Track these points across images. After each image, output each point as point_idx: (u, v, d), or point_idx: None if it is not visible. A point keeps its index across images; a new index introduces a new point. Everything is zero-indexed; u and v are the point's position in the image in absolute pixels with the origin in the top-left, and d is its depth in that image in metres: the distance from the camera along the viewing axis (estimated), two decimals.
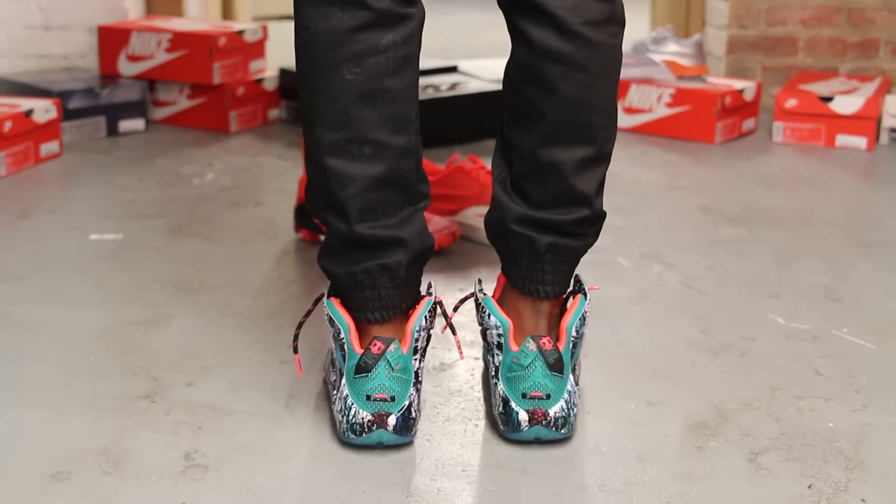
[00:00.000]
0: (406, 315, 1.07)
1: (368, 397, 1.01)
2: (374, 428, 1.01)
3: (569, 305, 1.10)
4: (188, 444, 1.05)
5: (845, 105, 2.25)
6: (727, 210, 1.84)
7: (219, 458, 1.03)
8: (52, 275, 1.52)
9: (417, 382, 1.05)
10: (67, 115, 2.23)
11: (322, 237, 1.62)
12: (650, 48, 2.37)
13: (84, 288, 1.47)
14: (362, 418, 1.01)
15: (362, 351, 1.03)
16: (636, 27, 3.53)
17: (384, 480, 0.99)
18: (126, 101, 2.32)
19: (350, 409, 1.02)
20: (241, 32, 2.40)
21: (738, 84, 2.36)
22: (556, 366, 1.04)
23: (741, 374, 1.22)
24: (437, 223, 1.57)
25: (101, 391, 1.16)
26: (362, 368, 1.02)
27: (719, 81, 2.39)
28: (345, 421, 1.02)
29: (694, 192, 1.96)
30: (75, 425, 1.09)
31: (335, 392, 1.06)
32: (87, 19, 2.52)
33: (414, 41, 1.03)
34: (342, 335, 1.04)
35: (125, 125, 2.33)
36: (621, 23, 1.05)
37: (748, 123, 2.38)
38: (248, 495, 0.97)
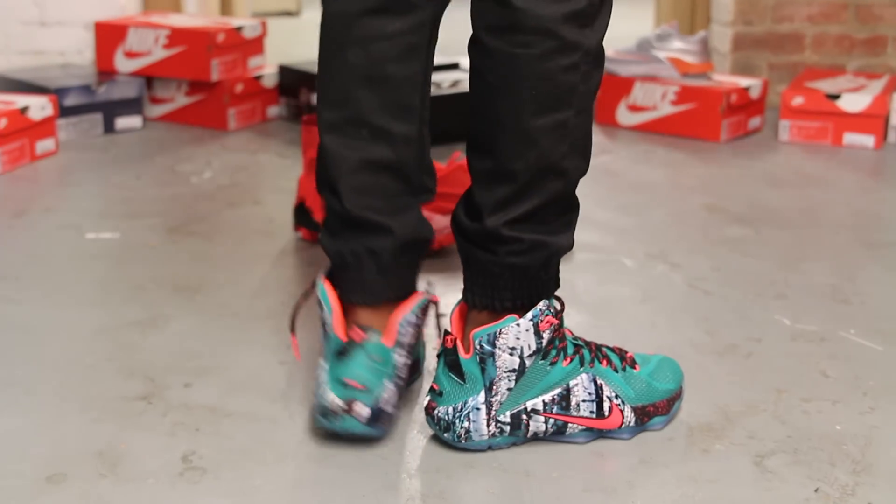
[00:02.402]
0: (395, 306, 1.06)
1: (342, 382, 1.01)
2: (344, 414, 1.01)
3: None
4: (185, 446, 1.04)
5: (853, 103, 2.24)
6: (733, 209, 1.84)
7: (216, 460, 1.02)
8: (48, 274, 1.52)
9: (399, 378, 1.05)
10: (63, 112, 2.22)
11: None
12: (655, 45, 2.36)
13: (80, 288, 1.47)
14: (333, 402, 1.01)
15: (345, 336, 1.03)
16: (641, 24, 3.53)
17: (384, 483, 0.99)
18: (123, 98, 2.32)
19: (324, 391, 1.02)
20: (239, 29, 2.39)
21: (743, 81, 2.35)
22: (455, 367, 1.02)
23: (747, 375, 1.22)
24: (438, 222, 1.56)
25: (97, 392, 1.15)
26: (341, 353, 1.02)
27: (725, 79, 2.38)
28: (318, 403, 1.03)
29: (699, 191, 1.96)
30: (71, 427, 1.08)
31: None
32: (83, 15, 2.52)
33: (422, 31, 1.03)
34: (326, 317, 1.04)
35: (122, 122, 2.32)
36: (535, 32, 0.95)
37: (754, 121, 2.37)
38: (247, 498, 0.97)
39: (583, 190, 2.13)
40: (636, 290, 1.47)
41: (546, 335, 1.03)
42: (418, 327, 1.06)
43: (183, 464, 1.01)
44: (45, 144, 2.11)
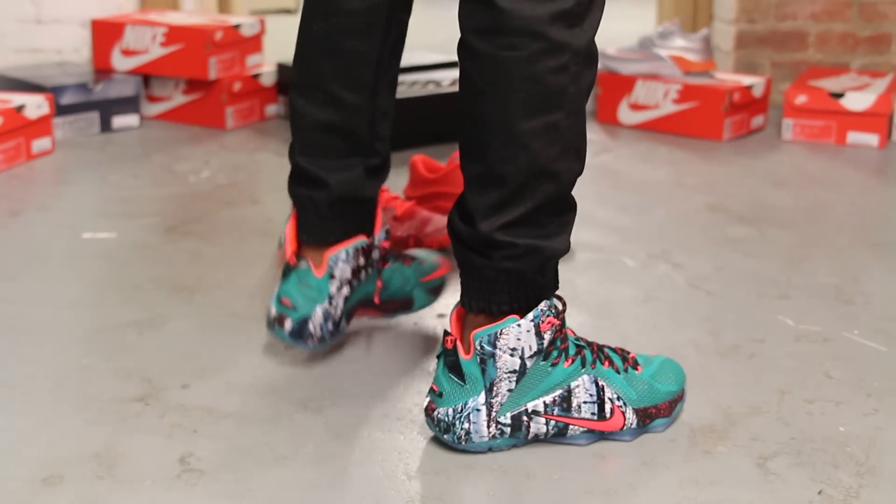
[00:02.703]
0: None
1: (279, 299, 1.18)
2: (277, 326, 1.17)
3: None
4: (183, 447, 1.04)
5: (857, 101, 2.23)
6: (735, 209, 1.83)
7: (214, 462, 1.02)
8: (44, 274, 1.51)
9: (331, 306, 1.18)
10: (60, 110, 2.21)
11: None
12: (656, 43, 2.35)
13: (77, 288, 1.46)
14: (270, 313, 1.19)
15: (290, 260, 1.19)
16: (642, 22, 3.52)
17: (383, 486, 0.98)
18: (120, 96, 2.31)
19: (270, 304, 1.20)
20: (237, 26, 2.38)
21: (746, 80, 2.34)
22: (455, 368, 1.03)
23: (750, 376, 1.21)
24: (437, 222, 1.56)
25: (93, 393, 1.15)
26: (284, 274, 1.19)
27: (727, 77, 2.37)
28: (267, 312, 1.20)
29: (701, 190, 1.95)
30: (67, 428, 1.08)
31: None
32: (80, 12, 2.51)
33: (379, 12, 1.12)
34: (281, 242, 1.19)
35: (119, 121, 2.32)
36: (521, 34, 0.95)
37: (757, 120, 2.37)
38: (245, 500, 0.96)
39: (584, 189, 2.12)
40: (638, 291, 1.47)
41: (547, 336, 1.02)
42: (355, 267, 1.19)
43: (180, 465, 1.01)
44: (41, 143, 2.10)
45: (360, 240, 1.20)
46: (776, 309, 1.40)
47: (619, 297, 1.44)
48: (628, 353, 1.10)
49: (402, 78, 2.24)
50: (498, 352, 1.01)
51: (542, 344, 1.02)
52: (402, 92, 2.24)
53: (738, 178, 2.03)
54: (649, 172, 2.07)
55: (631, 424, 1.06)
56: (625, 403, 1.05)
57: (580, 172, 1.03)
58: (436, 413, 1.03)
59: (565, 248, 1.04)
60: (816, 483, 0.99)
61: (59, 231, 1.68)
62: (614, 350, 1.09)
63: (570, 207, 1.05)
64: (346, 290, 1.19)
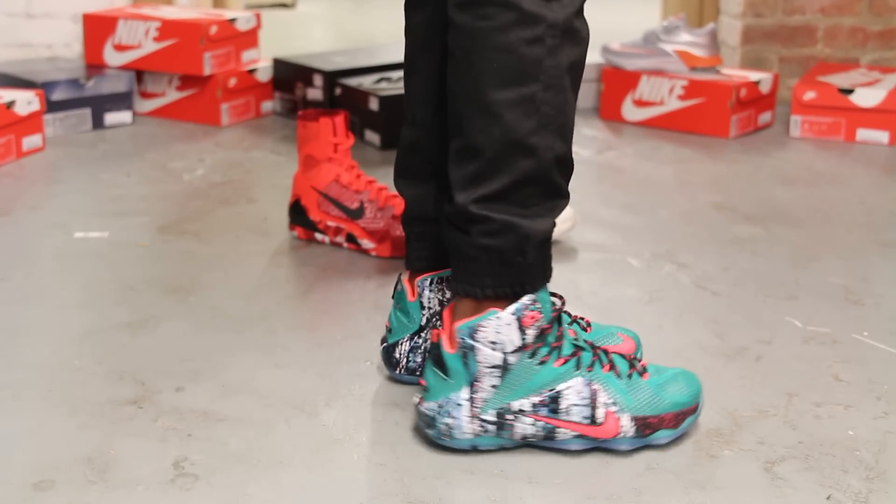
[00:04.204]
0: (421, 274, 1.17)
1: (388, 319, 1.19)
2: (381, 344, 1.18)
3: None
4: (177, 451, 1.03)
5: (866, 97, 2.22)
6: (742, 208, 1.83)
7: (209, 466, 1.01)
8: (35, 274, 1.50)
9: (416, 336, 1.15)
10: (51, 107, 2.20)
11: (317, 235, 1.62)
12: (662, 38, 2.34)
13: (68, 288, 1.45)
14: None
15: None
16: (647, 16, 3.51)
17: (382, 490, 0.97)
18: (112, 92, 2.29)
19: None
20: (232, 21, 2.37)
21: (753, 76, 2.33)
22: (439, 362, 1.03)
23: (757, 379, 1.21)
24: None
25: (85, 396, 1.14)
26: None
27: (734, 73, 2.36)
28: None
29: (707, 188, 1.95)
30: (59, 432, 1.07)
31: None
32: (71, 7, 2.49)
33: (434, 24, 1.09)
34: None
35: (111, 118, 2.30)
36: (494, 4, 0.96)
37: (764, 117, 2.35)
38: None
39: (587, 187, 2.11)
40: (642, 291, 1.46)
41: (531, 332, 1.01)
42: (439, 300, 1.15)
43: (174, 470, 1.00)
44: (31, 140, 2.08)
45: (446, 270, 1.15)
46: (784, 310, 1.40)
47: (623, 298, 1.43)
48: (639, 360, 1.08)
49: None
50: (478, 345, 1.00)
51: (525, 339, 1.01)
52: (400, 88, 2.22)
53: (745, 177, 2.02)
54: (654, 170, 2.06)
55: (627, 433, 1.03)
56: (621, 409, 1.03)
57: (564, 153, 1.02)
58: (421, 407, 1.03)
59: (545, 231, 1.02)
60: (825, 488, 0.98)
61: (50, 230, 1.67)
62: (623, 356, 1.07)
63: (558, 193, 1.03)
64: (431, 324, 1.15)
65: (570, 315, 1.19)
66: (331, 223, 1.59)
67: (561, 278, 1.48)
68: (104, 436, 1.06)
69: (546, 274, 1.04)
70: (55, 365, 1.21)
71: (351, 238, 1.58)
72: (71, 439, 1.05)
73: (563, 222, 1.59)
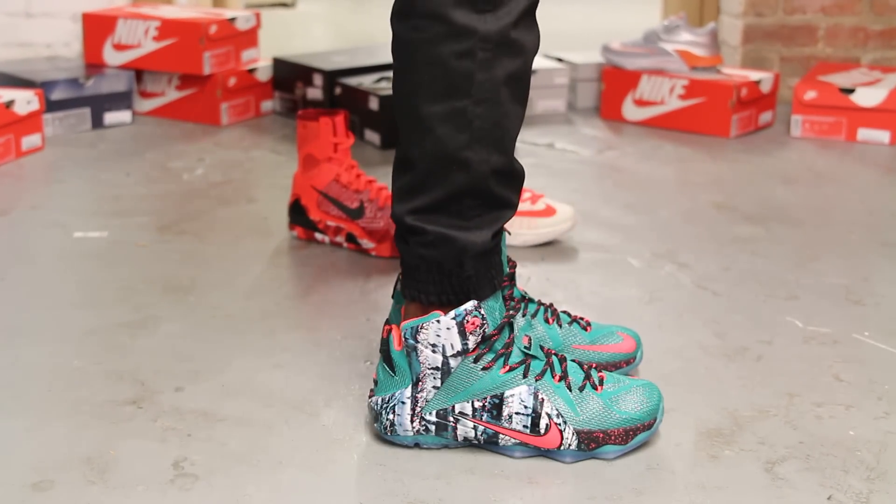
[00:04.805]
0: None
1: None
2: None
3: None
4: (177, 452, 1.03)
5: (867, 97, 2.21)
6: (743, 207, 1.82)
7: (209, 466, 1.01)
8: (34, 274, 1.50)
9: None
10: (50, 106, 2.20)
11: (317, 235, 1.62)
12: (662, 37, 2.33)
13: (67, 288, 1.45)
14: None
15: None
16: (648, 15, 3.51)
17: (382, 490, 0.97)
18: (112, 91, 2.29)
19: None
20: (232, 20, 2.36)
21: (754, 75, 2.33)
22: (387, 359, 1.04)
23: (757, 379, 1.20)
24: None
25: (85, 396, 1.14)
26: None
27: (735, 72, 2.36)
28: None
29: (708, 188, 1.94)
30: (58, 432, 1.07)
31: None
32: (71, 6, 2.49)
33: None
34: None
35: (111, 117, 2.30)
36: (425, 16, 0.94)
37: (765, 116, 2.35)
38: None
39: (587, 187, 2.11)
40: (643, 291, 1.46)
41: (473, 337, 1.00)
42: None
43: (174, 470, 1.00)
44: (31, 140, 2.08)
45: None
46: (784, 310, 1.39)
47: (623, 298, 1.43)
48: (600, 372, 1.06)
49: None
50: (419, 346, 1.01)
51: (467, 344, 1.00)
52: None
53: (746, 176, 2.02)
54: (654, 170, 2.06)
55: (570, 445, 1.01)
56: (564, 422, 1.01)
57: (503, 164, 1.00)
58: (370, 401, 1.05)
59: (483, 245, 1.01)
60: (826, 488, 0.98)
61: (49, 230, 1.67)
62: (580, 366, 1.05)
63: (500, 203, 1.02)
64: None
65: (569, 315, 1.19)
66: (331, 223, 1.59)
67: (561, 278, 1.48)
68: (104, 436, 1.05)
69: (493, 283, 1.02)
70: (55, 365, 1.21)
71: (351, 238, 1.58)
72: (70, 439, 1.05)
73: (564, 222, 1.58)
